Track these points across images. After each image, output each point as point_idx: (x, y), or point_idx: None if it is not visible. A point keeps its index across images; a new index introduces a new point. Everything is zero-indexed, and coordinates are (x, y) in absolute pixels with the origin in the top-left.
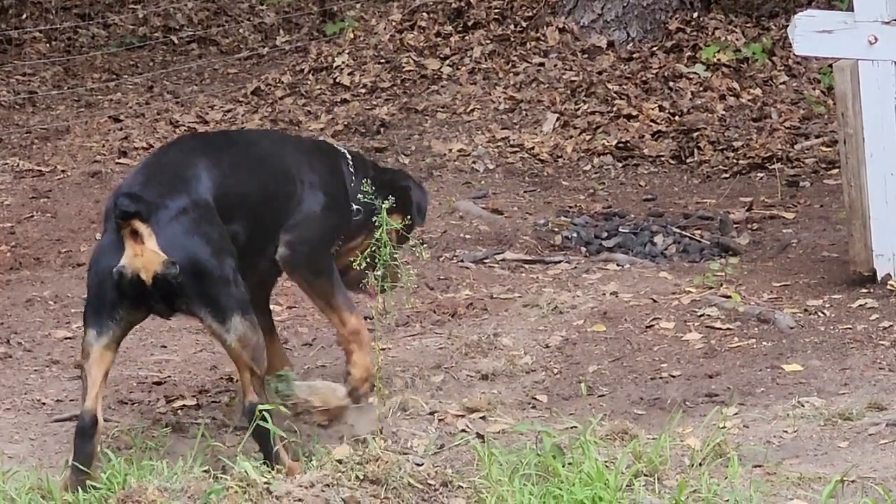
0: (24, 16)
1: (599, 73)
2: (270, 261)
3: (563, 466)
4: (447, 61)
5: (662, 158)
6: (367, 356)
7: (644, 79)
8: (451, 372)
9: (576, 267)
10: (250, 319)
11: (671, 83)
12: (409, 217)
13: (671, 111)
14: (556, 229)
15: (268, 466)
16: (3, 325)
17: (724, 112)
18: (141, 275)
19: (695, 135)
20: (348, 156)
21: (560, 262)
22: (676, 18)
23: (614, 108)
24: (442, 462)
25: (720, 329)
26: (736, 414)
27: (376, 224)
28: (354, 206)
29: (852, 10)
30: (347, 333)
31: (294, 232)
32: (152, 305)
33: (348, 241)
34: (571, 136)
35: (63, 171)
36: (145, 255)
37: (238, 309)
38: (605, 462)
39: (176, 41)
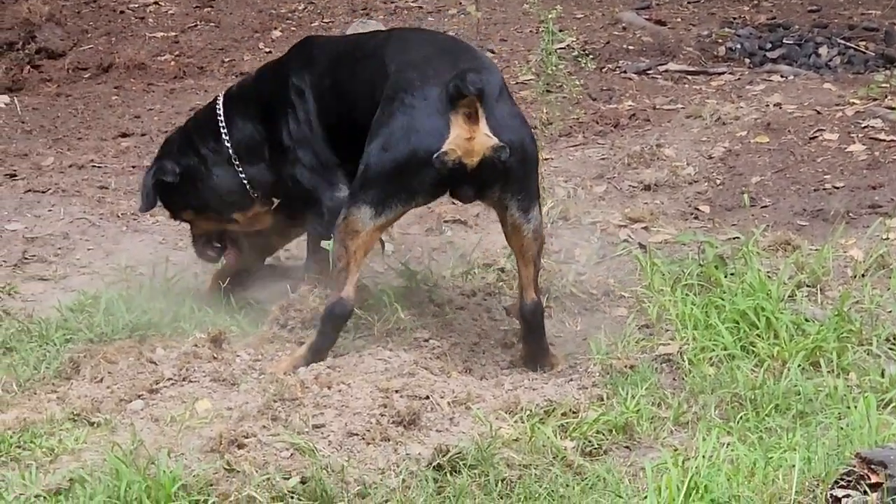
0: None
1: None
2: None
3: (726, 277)
4: None
5: None
6: None
7: None
8: (613, 182)
9: (739, 78)
10: (541, 213)
11: None
12: None
13: None
14: (720, 40)
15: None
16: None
17: None
18: (464, 159)
19: None
20: None
21: (723, 73)
22: None
23: None
24: (604, 272)
25: (884, 140)
26: None
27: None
28: None
29: None
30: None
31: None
32: (459, 190)
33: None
34: None
35: None
36: (477, 139)
37: (538, 200)
38: (768, 273)
39: None
